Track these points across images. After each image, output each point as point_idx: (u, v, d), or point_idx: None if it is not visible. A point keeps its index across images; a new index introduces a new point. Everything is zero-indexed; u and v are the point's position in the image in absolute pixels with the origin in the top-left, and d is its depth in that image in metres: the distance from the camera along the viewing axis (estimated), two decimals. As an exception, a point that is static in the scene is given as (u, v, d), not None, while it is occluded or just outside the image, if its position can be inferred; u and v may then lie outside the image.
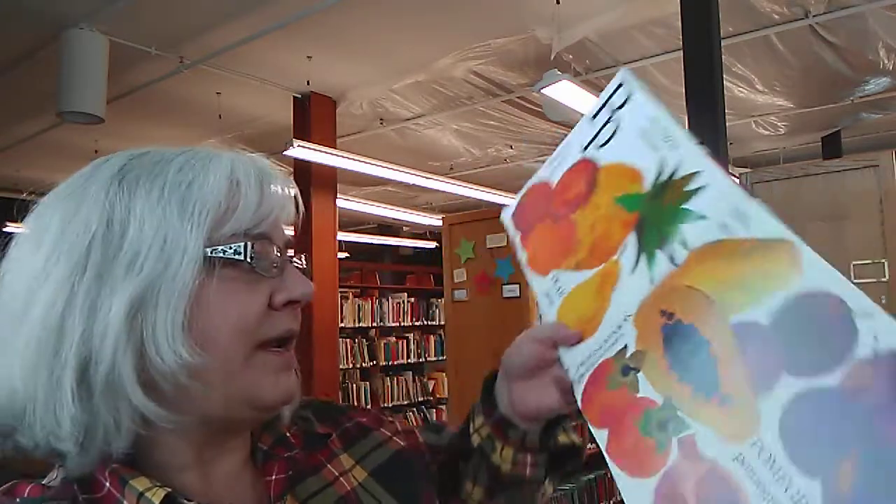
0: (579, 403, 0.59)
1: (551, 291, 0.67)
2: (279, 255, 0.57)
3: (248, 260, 0.54)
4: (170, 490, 0.51)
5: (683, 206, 0.55)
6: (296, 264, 0.60)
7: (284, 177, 0.60)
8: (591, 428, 0.56)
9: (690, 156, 0.57)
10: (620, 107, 0.65)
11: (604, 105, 0.67)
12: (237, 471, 0.59)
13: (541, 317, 0.68)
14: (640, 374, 0.54)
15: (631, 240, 0.60)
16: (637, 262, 0.58)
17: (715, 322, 0.49)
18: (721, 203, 0.53)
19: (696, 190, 0.55)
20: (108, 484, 0.52)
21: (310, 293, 0.58)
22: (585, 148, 0.67)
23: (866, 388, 0.41)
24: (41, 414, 0.50)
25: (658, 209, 0.58)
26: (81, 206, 0.53)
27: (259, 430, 0.62)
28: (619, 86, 0.65)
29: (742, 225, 0.51)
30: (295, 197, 0.60)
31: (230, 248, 0.53)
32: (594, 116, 0.67)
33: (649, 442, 0.51)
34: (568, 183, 0.68)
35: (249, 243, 0.54)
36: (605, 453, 0.54)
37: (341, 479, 0.64)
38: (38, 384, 0.50)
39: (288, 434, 0.62)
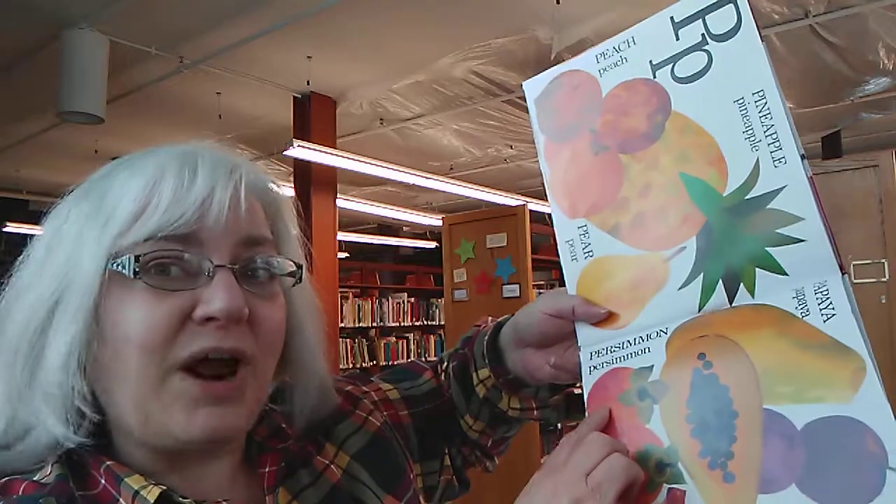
0: (586, 397, 0.55)
1: (576, 244, 0.58)
2: (209, 260, 0.50)
3: (133, 274, 0.48)
4: (165, 488, 0.51)
5: (767, 249, 0.48)
6: (258, 269, 0.53)
7: (234, 170, 0.53)
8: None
9: (798, 188, 0.47)
10: (721, 38, 0.50)
11: (697, 17, 0.51)
12: (229, 471, 0.58)
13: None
14: (656, 407, 0.50)
15: (690, 247, 0.51)
16: (690, 280, 0.51)
17: (750, 399, 0.46)
18: (809, 268, 0.46)
19: (793, 240, 0.47)
20: (103, 481, 0.51)
21: (232, 309, 0.49)
22: (657, 67, 0.53)
23: None
24: None
25: (734, 233, 0.49)
26: (51, 224, 0.54)
27: (255, 422, 0.59)
28: (728, 0, 0.49)
29: (820, 308, 0.45)
30: (243, 188, 0.53)
31: (118, 261, 0.49)
32: (679, 25, 0.52)
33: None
34: (623, 103, 0.55)
35: (143, 253, 0.49)
36: None
37: (332, 466, 0.63)
38: None
39: (283, 425, 0.61)
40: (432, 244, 10.27)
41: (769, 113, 0.48)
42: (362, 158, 5.12)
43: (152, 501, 0.49)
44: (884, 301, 2.49)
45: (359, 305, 7.21)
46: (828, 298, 0.45)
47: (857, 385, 0.42)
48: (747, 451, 0.45)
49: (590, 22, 4.06)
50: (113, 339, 0.49)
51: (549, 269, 5.08)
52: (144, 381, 0.49)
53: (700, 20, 0.51)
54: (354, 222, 9.94)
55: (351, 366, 7.05)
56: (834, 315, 0.44)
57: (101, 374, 0.50)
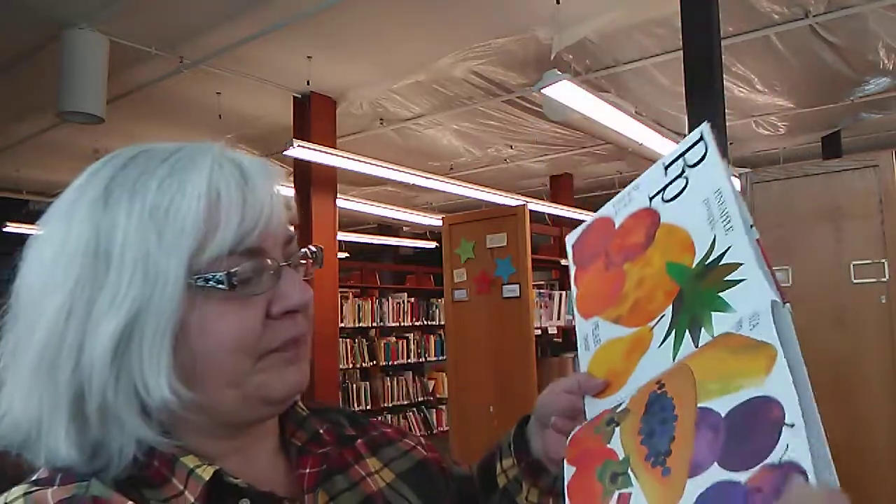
0: (567, 441, 0.63)
1: (589, 337, 0.70)
2: (273, 262, 0.56)
3: (231, 287, 0.52)
4: (218, 468, 0.53)
5: (719, 295, 0.59)
6: (300, 261, 0.60)
7: (271, 176, 0.58)
8: (564, 462, 0.60)
9: (740, 243, 0.59)
10: (694, 165, 0.67)
11: (679, 157, 0.68)
12: (271, 457, 0.62)
13: (577, 360, 0.72)
14: (617, 428, 0.58)
15: (667, 312, 0.63)
16: (666, 338, 0.62)
17: (688, 402, 0.53)
18: (750, 301, 0.56)
19: (735, 282, 0.58)
20: (155, 462, 0.53)
21: (308, 298, 0.58)
22: (652, 198, 0.70)
23: (760, 489, 0.44)
24: (44, 441, 0.52)
25: (697, 291, 0.61)
26: (70, 233, 0.52)
27: (293, 426, 0.64)
28: (699, 140, 0.67)
29: (750, 321, 0.54)
30: (287, 196, 0.59)
31: (212, 275, 0.52)
32: (668, 166, 0.70)
33: (598, 488, 0.55)
34: (629, 228, 0.71)
35: (233, 269, 0.52)
36: (565, 488, 0.58)
37: (368, 479, 0.66)
38: (41, 414, 0.52)
39: (321, 431, 0.64)
40: (432, 244, 10.28)
41: (724, 201, 0.62)
42: (362, 158, 5.12)
43: (207, 479, 0.53)
44: (884, 301, 2.49)
45: (359, 305, 7.21)
46: (758, 315, 0.54)
47: (769, 368, 0.49)
48: (681, 447, 0.51)
49: (590, 22, 4.06)
50: (203, 349, 0.52)
51: (549, 269, 5.08)
52: (239, 374, 0.54)
53: (681, 158, 0.68)
54: (354, 222, 9.95)
55: (351, 366, 7.05)
56: (758, 324, 0.53)
57: (186, 378, 0.52)
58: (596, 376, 0.67)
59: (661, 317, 0.63)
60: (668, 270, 0.65)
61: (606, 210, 0.75)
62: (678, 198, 0.67)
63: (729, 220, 0.61)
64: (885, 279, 2.49)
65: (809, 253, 2.66)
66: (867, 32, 4.26)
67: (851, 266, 2.56)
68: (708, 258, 0.61)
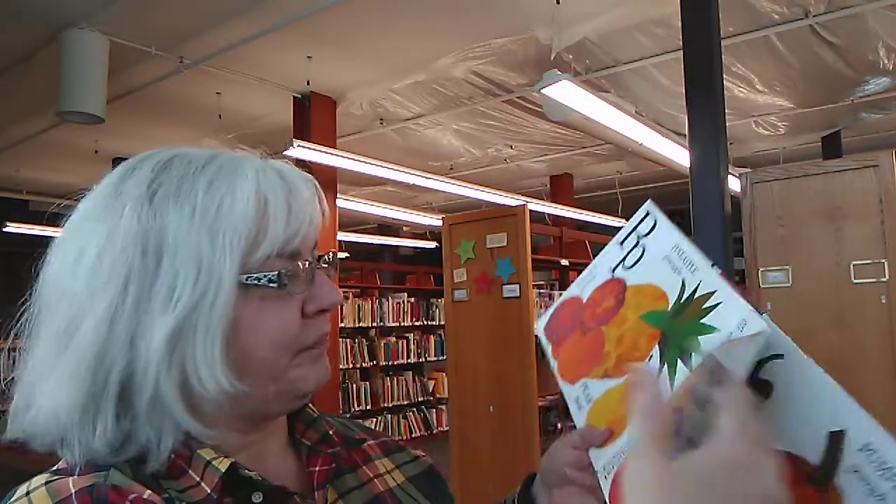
0: (606, 498, 0.64)
1: (580, 398, 0.73)
2: (309, 264, 0.59)
3: (281, 287, 0.56)
4: (234, 460, 0.55)
5: (701, 321, 0.63)
6: (324, 266, 0.63)
7: (308, 183, 0.61)
8: None
9: (707, 277, 0.64)
10: (646, 234, 0.73)
11: (631, 232, 0.75)
12: (281, 452, 0.64)
13: (573, 422, 0.73)
14: None
15: (655, 352, 0.67)
16: (660, 373, 0.65)
17: None
18: (730, 317, 0.60)
19: (713, 307, 0.63)
20: (173, 454, 0.54)
21: (339, 299, 0.62)
22: (614, 269, 0.75)
23: None
24: (81, 435, 0.53)
25: (679, 326, 0.65)
26: (116, 232, 0.53)
27: (302, 426, 0.66)
28: (646, 215, 0.74)
29: (740, 331, 0.59)
30: (318, 197, 0.62)
31: (264, 275, 0.55)
32: (622, 241, 0.75)
33: None
34: (598, 299, 0.76)
35: (282, 269, 0.56)
36: None
37: (375, 480, 0.68)
38: (81, 410, 0.52)
39: (330, 432, 0.66)
40: (432, 244, 10.28)
41: (684, 252, 0.68)
42: (362, 158, 5.12)
43: (223, 471, 0.54)
44: (884, 301, 2.49)
45: (359, 305, 7.21)
46: (744, 321, 0.58)
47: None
48: None
49: (590, 22, 4.06)
50: (252, 344, 0.55)
51: (549, 269, 5.09)
52: (279, 368, 0.57)
53: (634, 232, 0.74)
54: (354, 222, 9.95)
55: (351, 366, 7.05)
56: (747, 324, 0.57)
57: (236, 372, 0.54)
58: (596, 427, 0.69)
59: (650, 357, 0.66)
60: (645, 319, 0.69)
61: (571, 291, 0.80)
62: (639, 262, 0.73)
63: (693, 264, 0.66)
64: (885, 279, 2.49)
65: (809, 253, 2.66)
66: (867, 32, 4.26)
67: (851, 266, 2.56)
68: (682, 298, 0.66)
